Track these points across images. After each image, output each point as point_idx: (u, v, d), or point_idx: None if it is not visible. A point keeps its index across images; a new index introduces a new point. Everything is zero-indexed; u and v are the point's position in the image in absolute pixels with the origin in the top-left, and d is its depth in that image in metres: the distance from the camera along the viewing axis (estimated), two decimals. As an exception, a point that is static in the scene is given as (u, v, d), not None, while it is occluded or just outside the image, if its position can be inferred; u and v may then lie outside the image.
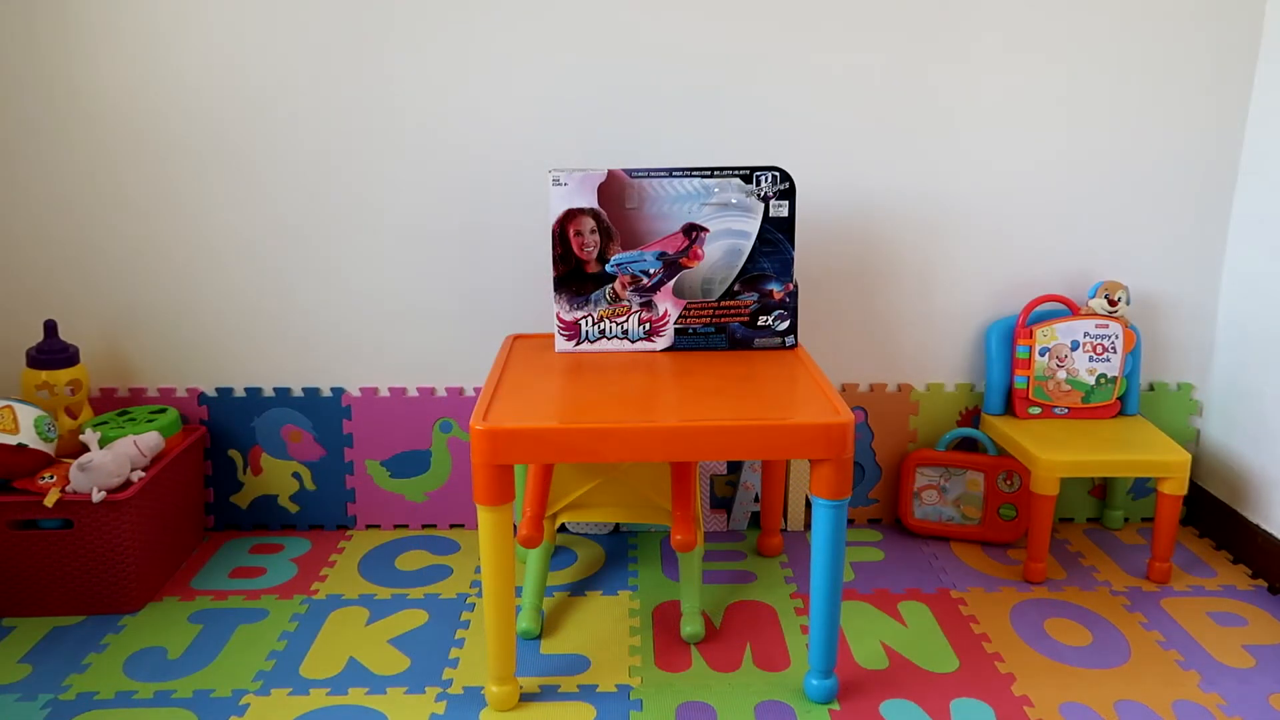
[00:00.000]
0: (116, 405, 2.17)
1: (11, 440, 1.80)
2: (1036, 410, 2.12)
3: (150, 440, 1.94)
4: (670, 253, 1.83)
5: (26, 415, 1.85)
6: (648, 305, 1.85)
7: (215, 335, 2.15)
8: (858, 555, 2.13)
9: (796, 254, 1.87)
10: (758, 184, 1.80)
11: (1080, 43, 2.03)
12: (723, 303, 1.85)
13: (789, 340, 1.88)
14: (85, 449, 1.93)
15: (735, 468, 2.22)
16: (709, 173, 1.80)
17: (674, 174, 1.79)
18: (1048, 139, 2.08)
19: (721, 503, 2.25)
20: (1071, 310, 2.10)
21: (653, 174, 1.79)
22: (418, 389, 2.19)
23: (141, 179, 2.06)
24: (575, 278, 1.84)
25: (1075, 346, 2.09)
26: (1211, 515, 2.19)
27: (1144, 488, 2.28)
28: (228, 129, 2.04)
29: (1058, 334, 2.09)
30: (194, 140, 2.04)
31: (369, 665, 1.72)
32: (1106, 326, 2.08)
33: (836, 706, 1.60)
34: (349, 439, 2.20)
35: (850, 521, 2.27)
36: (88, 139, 2.03)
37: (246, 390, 2.18)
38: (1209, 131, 2.08)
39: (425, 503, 2.24)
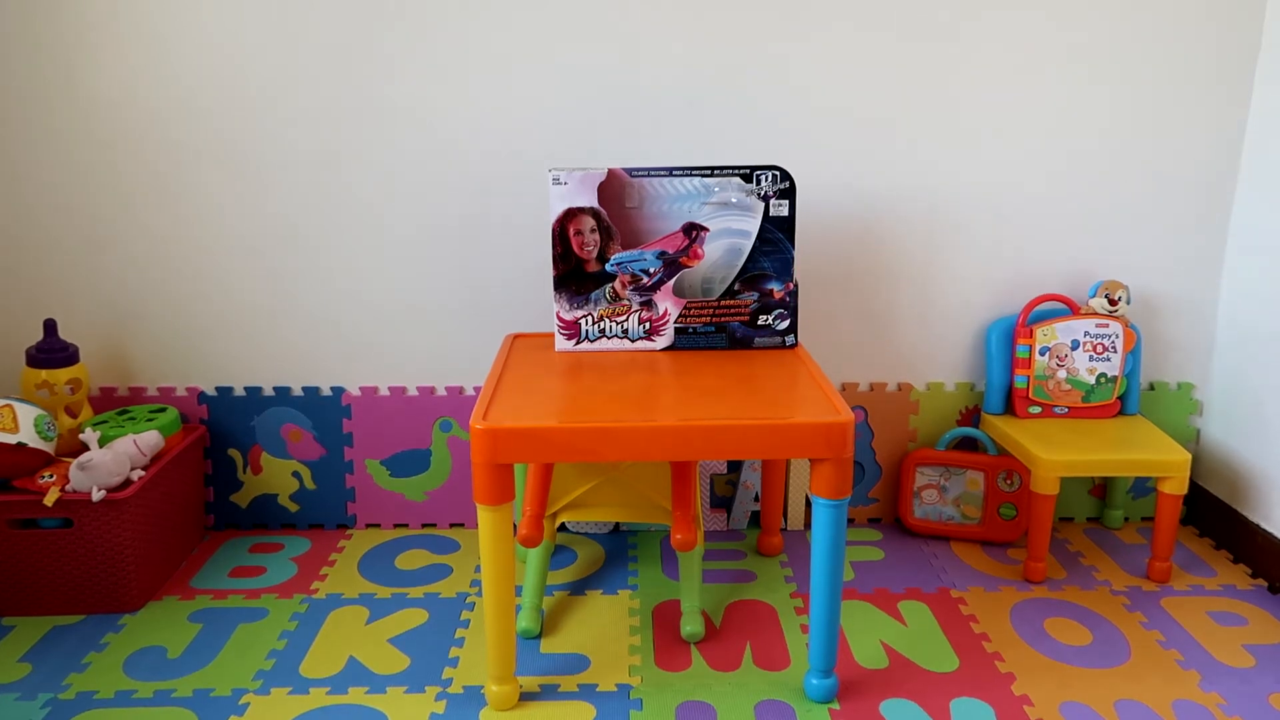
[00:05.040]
0: (116, 404, 2.17)
1: (11, 439, 1.80)
2: (1037, 410, 2.12)
3: (150, 439, 1.94)
4: (670, 252, 1.82)
5: (26, 414, 1.85)
6: (648, 304, 1.85)
7: (215, 334, 2.15)
8: (858, 555, 2.13)
9: (797, 253, 1.87)
10: (758, 183, 1.80)
11: (1081, 44, 2.02)
12: (723, 302, 1.85)
13: (789, 339, 1.88)
14: (85, 448, 1.92)
15: (735, 467, 2.22)
16: (709, 172, 1.79)
17: (674, 173, 1.79)
18: (1048, 139, 2.07)
19: (721, 502, 2.25)
20: (1071, 310, 2.10)
21: (653, 173, 1.79)
22: (418, 388, 2.19)
23: (141, 178, 2.06)
24: (575, 277, 1.84)
25: (1075, 346, 2.09)
26: (1211, 515, 2.19)
27: (1144, 487, 2.27)
28: (227, 128, 2.04)
29: (1058, 333, 2.09)
30: (194, 139, 2.04)
31: (369, 664, 1.72)
32: (1106, 326, 2.08)
33: (836, 706, 1.60)
34: (349, 438, 2.20)
35: (850, 521, 2.27)
36: (87, 137, 2.03)
37: (246, 389, 2.18)
38: (1209, 131, 2.08)
39: (425, 502, 2.24)
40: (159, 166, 2.05)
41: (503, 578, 1.52)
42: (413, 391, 2.19)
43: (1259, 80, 2.04)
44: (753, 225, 1.82)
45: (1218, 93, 2.06)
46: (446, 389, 2.19)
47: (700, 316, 1.86)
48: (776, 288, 1.85)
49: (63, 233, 2.08)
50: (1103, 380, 2.10)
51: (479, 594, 1.96)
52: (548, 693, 1.64)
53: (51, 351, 1.99)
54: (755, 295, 1.85)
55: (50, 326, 2.00)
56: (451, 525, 2.26)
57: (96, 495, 1.80)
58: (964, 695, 1.63)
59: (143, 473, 1.90)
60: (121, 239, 2.09)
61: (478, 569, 2.06)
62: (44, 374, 1.97)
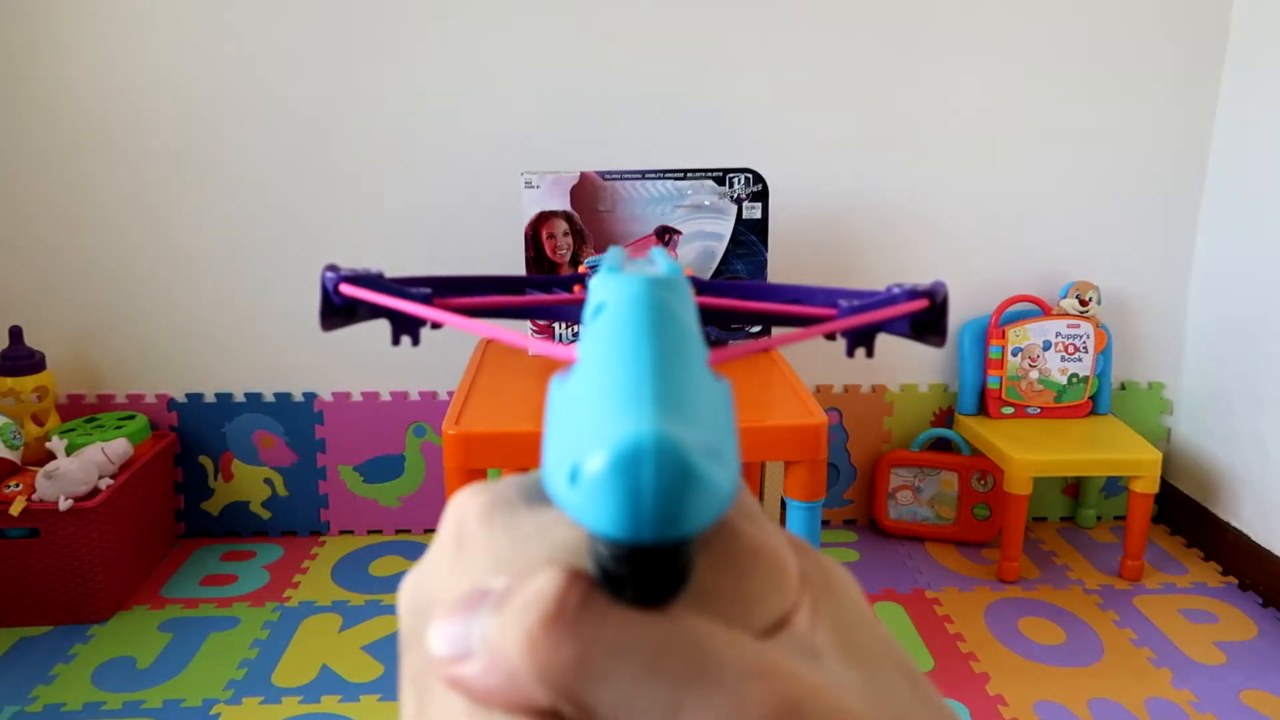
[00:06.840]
0: (84, 412, 2.14)
1: (-25, 448, 1.77)
2: (1009, 410, 2.13)
3: (118, 447, 1.91)
4: (644, 255, 1.82)
5: (-9, 423, 1.82)
6: (621, 308, 1.84)
7: (185, 340, 2.13)
8: (833, 556, 2.12)
9: (770, 256, 1.87)
10: (731, 186, 1.80)
11: (1050, 45, 2.04)
12: (697, 305, 1.85)
13: (763, 342, 1.88)
14: (52, 456, 1.89)
15: (711, 470, 2.22)
16: (682, 174, 1.79)
17: (647, 175, 1.79)
18: (1019, 141, 2.09)
19: (697, 505, 2.24)
20: (1043, 310, 2.11)
21: (625, 176, 1.79)
22: (390, 393, 2.17)
23: (108, 180, 2.03)
24: (548, 280, 1.82)
25: (1047, 346, 2.10)
26: (1182, 513, 2.21)
27: (1116, 486, 2.29)
28: (196, 130, 2.01)
29: (1030, 334, 2.10)
30: (161, 141, 2.02)
31: (342, 673, 1.71)
32: (1078, 326, 2.09)
33: (812, 708, 1.60)
34: (321, 444, 2.18)
35: (825, 523, 2.28)
36: (52, 140, 2.00)
37: (217, 395, 2.16)
38: (1177, 133, 2.10)
39: (399, 508, 2.23)
40: (126, 168, 2.03)
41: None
42: (386, 396, 2.17)
43: (1225, 83, 2.06)
44: (726, 228, 1.82)
45: (1185, 94, 2.08)
46: (420, 394, 2.17)
47: (674, 319, 1.85)
48: (750, 290, 1.85)
49: (28, 236, 2.05)
50: (1074, 380, 2.11)
51: (454, 600, 1.94)
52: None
53: (17, 359, 1.96)
54: (729, 298, 1.85)
55: (15, 333, 1.97)
56: (426, 531, 2.24)
57: (64, 504, 1.77)
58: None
59: (111, 481, 1.88)
60: (89, 242, 2.06)
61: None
62: (10, 382, 1.94)
